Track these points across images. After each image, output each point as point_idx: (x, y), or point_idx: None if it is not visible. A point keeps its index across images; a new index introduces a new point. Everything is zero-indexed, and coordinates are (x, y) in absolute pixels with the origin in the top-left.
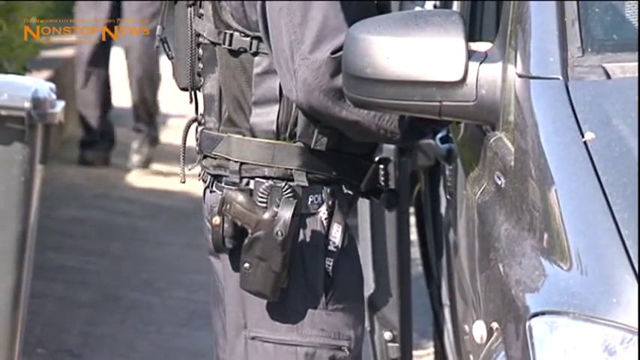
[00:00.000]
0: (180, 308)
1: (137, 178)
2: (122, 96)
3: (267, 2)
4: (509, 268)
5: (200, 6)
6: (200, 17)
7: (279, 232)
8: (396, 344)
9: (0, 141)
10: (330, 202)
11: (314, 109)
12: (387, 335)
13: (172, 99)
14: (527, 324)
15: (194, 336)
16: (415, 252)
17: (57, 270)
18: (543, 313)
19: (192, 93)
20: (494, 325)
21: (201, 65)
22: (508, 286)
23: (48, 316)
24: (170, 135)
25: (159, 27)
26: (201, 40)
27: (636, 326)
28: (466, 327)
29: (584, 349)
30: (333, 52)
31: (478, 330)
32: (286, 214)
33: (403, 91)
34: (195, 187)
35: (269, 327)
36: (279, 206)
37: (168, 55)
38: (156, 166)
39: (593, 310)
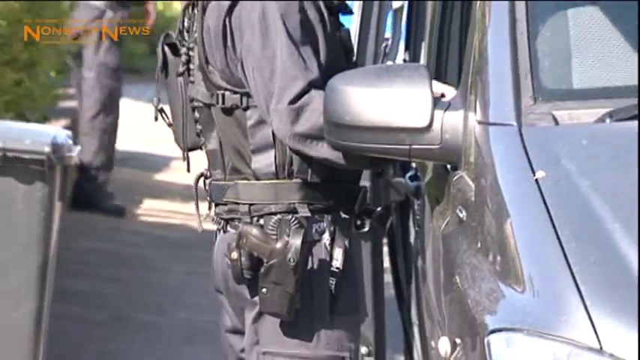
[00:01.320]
0: (184, 328)
1: (143, 213)
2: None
3: (243, 63)
4: (470, 290)
5: (189, 74)
6: (192, 83)
7: (292, 259)
8: (372, 358)
9: (23, 181)
10: (331, 229)
11: (293, 150)
12: (364, 350)
13: (173, 142)
14: (486, 339)
15: (196, 352)
16: (388, 277)
17: (74, 294)
18: (500, 330)
19: (185, 153)
20: (457, 340)
21: (199, 127)
22: (469, 307)
23: (67, 335)
24: (172, 175)
25: (155, 98)
26: (195, 104)
27: (582, 341)
28: (432, 343)
29: (535, 359)
30: (291, 102)
31: (443, 345)
32: (297, 242)
33: (378, 137)
34: (193, 221)
35: (279, 343)
36: (289, 236)
37: (167, 123)
38: (160, 203)
39: (545, 327)
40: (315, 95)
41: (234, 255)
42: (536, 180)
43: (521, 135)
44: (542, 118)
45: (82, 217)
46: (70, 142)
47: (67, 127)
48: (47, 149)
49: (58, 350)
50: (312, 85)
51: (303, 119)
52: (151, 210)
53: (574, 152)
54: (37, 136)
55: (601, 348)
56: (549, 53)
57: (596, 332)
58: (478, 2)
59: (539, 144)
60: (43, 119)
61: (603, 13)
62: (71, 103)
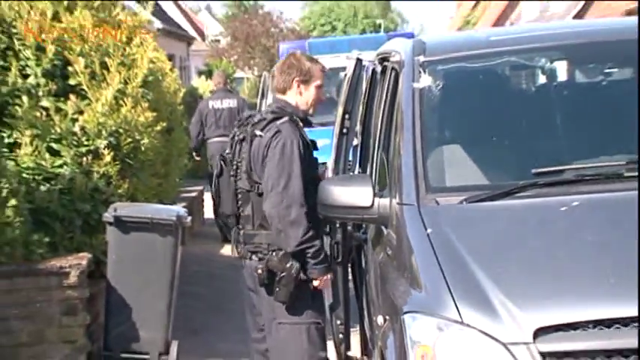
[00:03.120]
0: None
1: (224, 252)
2: None
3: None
4: (394, 291)
5: (237, 177)
6: (239, 180)
7: (294, 273)
8: (342, 326)
9: (161, 235)
10: None
11: None
12: (338, 322)
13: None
14: (402, 317)
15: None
16: (351, 285)
17: (188, 294)
18: (409, 312)
19: (230, 218)
20: (387, 317)
21: (239, 202)
22: (393, 299)
23: (184, 316)
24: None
25: (212, 189)
26: (238, 190)
27: (452, 317)
28: (374, 319)
29: (427, 328)
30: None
31: (379, 320)
32: (296, 264)
33: (346, 211)
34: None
35: (287, 316)
36: (289, 261)
37: (214, 200)
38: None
39: (432, 311)
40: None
41: (260, 271)
42: (427, 234)
43: (419, 210)
44: (430, 201)
45: (192, 252)
46: (186, 214)
47: (184, 207)
48: (174, 218)
49: (179, 324)
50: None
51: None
52: (229, 249)
53: (447, 219)
54: (169, 211)
55: (462, 321)
56: (433, 167)
57: (459, 313)
58: (397, 141)
59: (428, 214)
60: (172, 203)
61: (462, 148)
62: (187, 195)
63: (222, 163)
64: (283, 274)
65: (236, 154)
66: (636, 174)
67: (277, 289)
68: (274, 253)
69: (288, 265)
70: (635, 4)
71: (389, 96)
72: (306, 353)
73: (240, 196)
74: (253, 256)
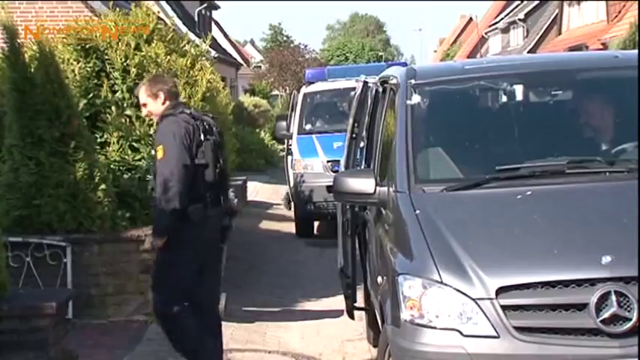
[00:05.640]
0: (288, 271)
1: (263, 226)
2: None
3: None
4: (391, 257)
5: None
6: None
7: None
8: (350, 282)
9: None
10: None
11: None
12: (347, 280)
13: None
14: (396, 278)
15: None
16: (358, 252)
17: (234, 257)
18: (402, 274)
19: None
20: (385, 277)
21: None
22: (390, 264)
23: (233, 273)
24: (272, 210)
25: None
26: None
27: (434, 278)
28: (376, 278)
29: (415, 287)
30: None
31: (379, 279)
32: None
33: (354, 196)
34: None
35: None
36: None
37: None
38: (268, 223)
39: (419, 273)
40: None
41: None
42: (416, 214)
43: (410, 196)
44: (418, 190)
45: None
46: (234, 197)
47: (232, 192)
48: None
49: (227, 280)
50: None
51: None
52: (266, 224)
53: (431, 203)
54: None
55: (442, 281)
56: (420, 164)
57: (440, 275)
58: (393, 144)
59: (417, 199)
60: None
61: (442, 150)
62: (234, 183)
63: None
64: None
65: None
66: (575, 171)
67: None
68: None
69: None
70: (575, 43)
71: (387, 110)
72: None
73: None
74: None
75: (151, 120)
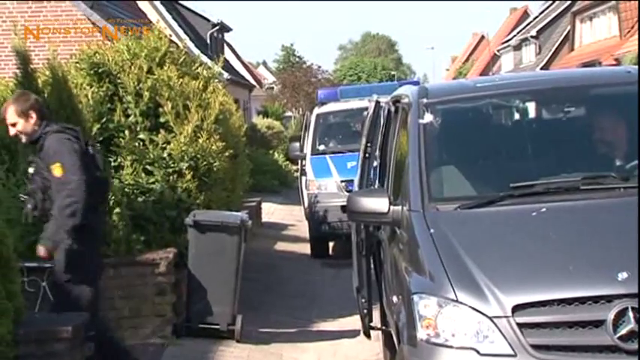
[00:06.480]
0: (303, 290)
1: (277, 247)
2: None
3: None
4: (406, 276)
5: None
6: None
7: None
8: (366, 303)
9: (229, 234)
10: None
11: None
12: (363, 300)
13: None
14: (412, 297)
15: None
16: (373, 272)
17: (249, 279)
18: (417, 293)
19: None
20: (400, 297)
21: None
22: (405, 284)
23: (247, 294)
24: (289, 231)
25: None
26: None
27: (450, 297)
28: (391, 297)
29: (431, 305)
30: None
31: (394, 298)
32: None
33: (368, 215)
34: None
35: None
36: None
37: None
38: (284, 244)
39: (435, 292)
40: None
41: None
42: (430, 233)
43: (424, 215)
44: (432, 208)
45: (251, 247)
46: (248, 218)
47: (247, 213)
48: (239, 222)
49: (243, 302)
50: None
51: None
52: (281, 245)
53: (445, 221)
54: (235, 216)
55: (457, 300)
56: (434, 182)
57: (455, 293)
58: (407, 163)
59: (431, 218)
60: (237, 210)
61: (456, 168)
62: (248, 204)
63: None
64: None
65: None
66: (590, 187)
67: None
68: None
69: None
70: (588, 59)
71: (400, 129)
72: None
73: None
74: None
75: (165, 143)
